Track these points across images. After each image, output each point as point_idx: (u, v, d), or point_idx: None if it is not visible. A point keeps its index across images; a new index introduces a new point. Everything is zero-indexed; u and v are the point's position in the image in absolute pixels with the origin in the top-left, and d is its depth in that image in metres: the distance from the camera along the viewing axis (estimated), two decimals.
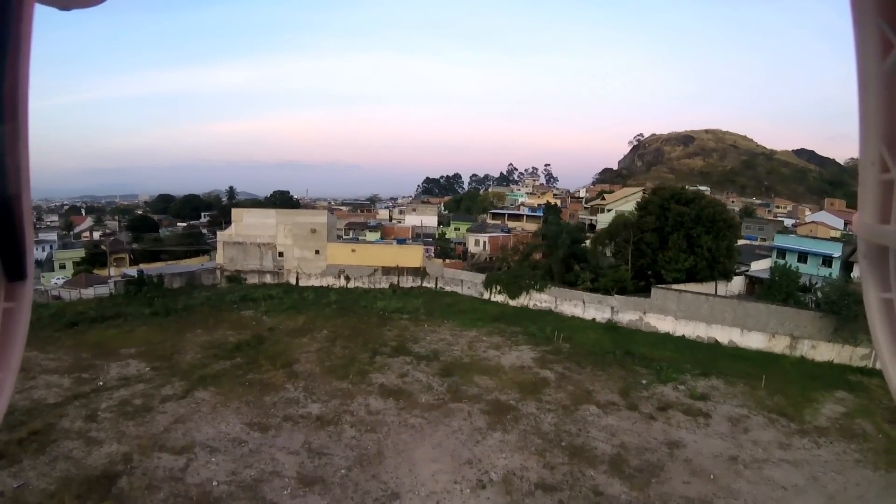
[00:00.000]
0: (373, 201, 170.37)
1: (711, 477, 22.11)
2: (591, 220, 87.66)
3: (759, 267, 54.90)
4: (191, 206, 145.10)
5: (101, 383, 30.11)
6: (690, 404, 29.36)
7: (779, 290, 44.14)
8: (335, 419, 26.31)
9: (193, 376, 31.19)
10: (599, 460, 23.32)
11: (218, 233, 65.83)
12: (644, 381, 32.63)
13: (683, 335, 43.22)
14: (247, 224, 61.84)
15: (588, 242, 59.89)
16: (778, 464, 23.15)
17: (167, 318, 44.00)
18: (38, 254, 78.54)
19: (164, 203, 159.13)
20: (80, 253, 74.06)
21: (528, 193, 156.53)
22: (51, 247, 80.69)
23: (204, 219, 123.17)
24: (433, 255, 72.39)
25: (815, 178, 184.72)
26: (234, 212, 65.41)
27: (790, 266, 47.52)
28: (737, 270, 52.70)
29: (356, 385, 30.66)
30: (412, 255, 62.08)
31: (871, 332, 0.81)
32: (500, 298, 53.49)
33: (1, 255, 0.70)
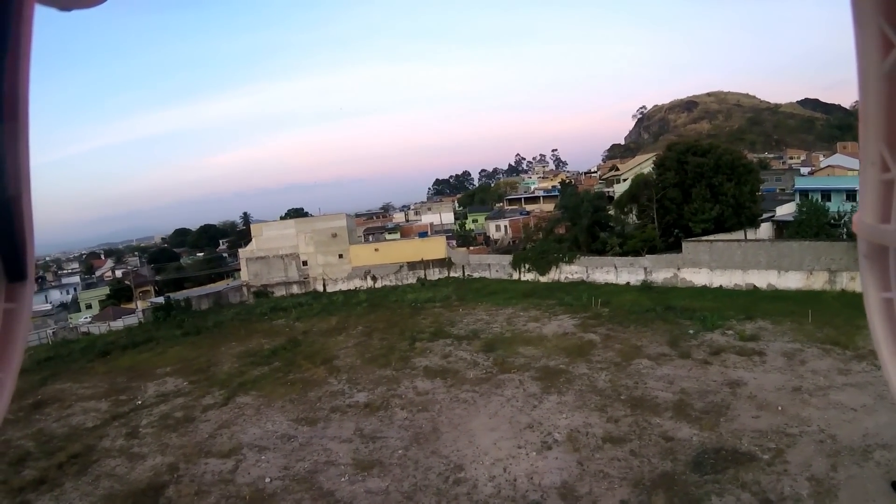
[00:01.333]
0: (386, 210, 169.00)
1: (779, 408, 20.90)
2: (608, 191, 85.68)
3: (785, 211, 53.49)
4: (208, 235, 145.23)
5: (140, 402, 29.30)
6: (742, 346, 28.14)
7: (808, 226, 43.05)
8: (384, 404, 25.16)
9: (233, 384, 30.24)
10: (663, 408, 21.96)
11: (240, 250, 65.28)
12: (691, 331, 31.33)
13: (720, 286, 41.93)
14: (267, 238, 61.18)
15: (610, 209, 58.36)
16: (842, 388, 21.97)
17: (199, 336, 43.27)
18: (63, 297, 78.87)
19: (181, 237, 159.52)
20: (104, 291, 74.15)
21: (539, 179, 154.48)
22: (75, 289, 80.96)
23: (223, 245, 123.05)
24: (456, 245, 71.19)
25: (823, 126, 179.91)
26: (254, 227, 64.78)
27: (816, 200, 45.95)
28: (762, 217, 51.18)
29: (400, 371, 29.53)
30: (435, 247, 60.95)
31: (871, 331, 0.79)
32: (529, 277, 52.15)
33: (1, 256, 0.68)
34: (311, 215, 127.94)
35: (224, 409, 26.85)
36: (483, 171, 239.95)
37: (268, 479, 19.41)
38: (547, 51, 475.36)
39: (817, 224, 42.49)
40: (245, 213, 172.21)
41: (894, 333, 0.74)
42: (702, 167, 46.96)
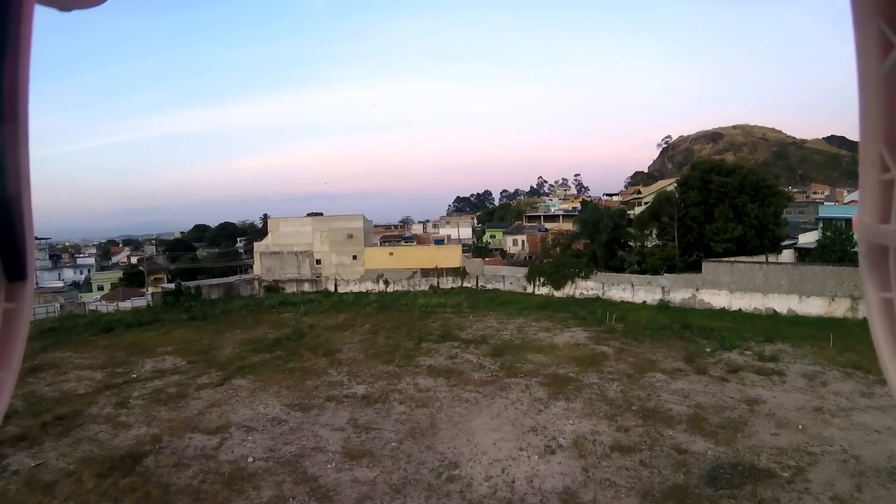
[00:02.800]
0: (405, 223, 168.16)
1: (800, 427, 19.74)
2: (629, 214, 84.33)
3: (807, 240, 52.36)
4: (226, 233, 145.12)
5: (135, 375, 28.67)
6: (761, 366, 27.02)
7: (832, 250, 42.29)
8: (382, 398, 24.14)
9: (231, 367, 29.50)
10: (676, 420, 20.73)
11: (255, 244, 64.92)
12: (708, 349, 30.23)
13: (740, 308, 40.81)
14: (283, 233, 60.77)
15: (631, 229, 57.28)
16: (865, 410, 20.85)
17: (205, 322, 42.76)
18: (76, 276, 79.10)
19: (200, 233, 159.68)
20: (117, 274, 74.06)
21: (560, 201, 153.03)
22: (89, 270, 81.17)
23: (240, 244, 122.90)
24: (472, 256, 70.17)
25: (849, 163, 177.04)
26: (271, 221, 64.47)
27: (841, 226, 44.97)
28: (785, 244, 50.29)
29: (403, 368, 28.53)
30: (451, 255, 60.00)
31: (871, 332, 0.79)
32: (544, 290, 50.99)
33: (1, 255, 0.68)
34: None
35: (218, 389, 26.06)
36: (504, 191, 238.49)
37: (251, 459, 18.47)
38: (575, 78, 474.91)
39: (841, 249, 41.46)
40: (265, 215, 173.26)
41: (894, 334, 0.73)
42: (725, 186, 46.19)
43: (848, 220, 49.11)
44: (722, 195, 46.13)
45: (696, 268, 44.24)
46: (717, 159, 67.70)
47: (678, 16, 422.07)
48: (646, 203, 77.26)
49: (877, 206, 0.71)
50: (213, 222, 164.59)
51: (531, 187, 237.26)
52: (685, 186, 49.74)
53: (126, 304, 50.70)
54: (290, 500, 15.84)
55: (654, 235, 52.65)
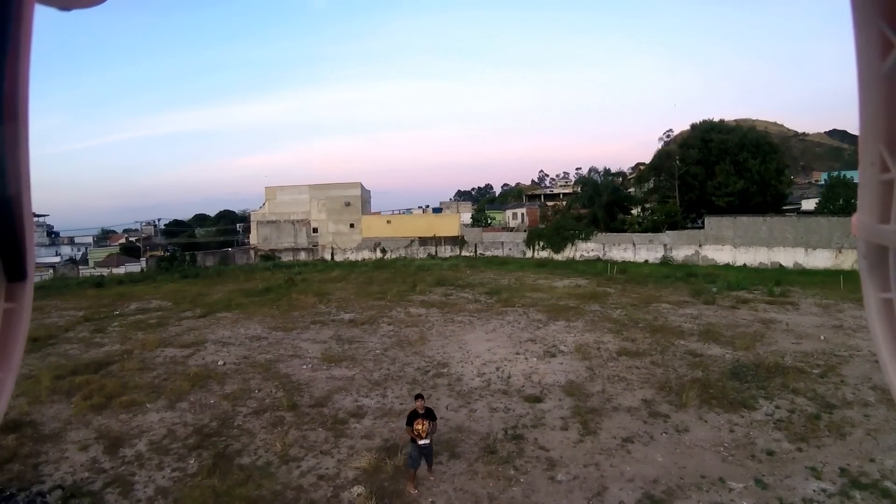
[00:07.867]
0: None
1: (822, 338, 18.53)
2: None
3: (810, 206, 51.31)
4: (226, 220, 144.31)
5: (118, 312, 27.55)
6: (772, 299, 25.82)
7: (835, 200, 41.46)
8: (370, 321, 22.96)
9: (217, 307, 28.30)
10: (688, 334, 19.46)
11: (252, 213, 63.80)
12: (714, 289, 28.85)
13: (744, 263, 39.80)
14: (280, 202, 59.62)
15: (631, 189, 56.47)
16: None
17: (197, 279, 41.63)
18: (74, 252, 78.22)
19: (199, 222, 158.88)
20: (114, 250, 73.22)
21: (560, 189, 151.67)
22: (86, 248, 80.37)
23: (239, 228, 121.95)
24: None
25: (851, 155, 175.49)
26: (267, 190, 63.03)
27: (844, 175, 45.03)
28: (787, 208, 49.70)
29: (395, 302, 27.33)
30: (449, 223, 58.78)
31: (871, 332, 0.75)
32: (543, 254, 49.62)
33: (1, 256, 0.65)
34: None
35: (201, 319, 24.89)
36: (505, 185, 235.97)
37: (221, 363, 17.29)
38: (577, 78, 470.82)
39: (846, 198, 40.56)
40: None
41: (894, 334, 0.67)
42: (726, 143, 45.74)
43: (851, 179, 48.09)
44: (722, 152, 45.45)
45: (698, 227, 43.37)
46: (717, 121, 66.75)
47: (679, 13, 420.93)
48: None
49: (877, 206, 0.67)
50: (214, 213, 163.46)
51: (532, 181, 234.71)
52: (685, 146, 49.01)
53: (119, 270, 49.69)
54: (256, 391, 14.64)
55: (655, 203, 51.71)
